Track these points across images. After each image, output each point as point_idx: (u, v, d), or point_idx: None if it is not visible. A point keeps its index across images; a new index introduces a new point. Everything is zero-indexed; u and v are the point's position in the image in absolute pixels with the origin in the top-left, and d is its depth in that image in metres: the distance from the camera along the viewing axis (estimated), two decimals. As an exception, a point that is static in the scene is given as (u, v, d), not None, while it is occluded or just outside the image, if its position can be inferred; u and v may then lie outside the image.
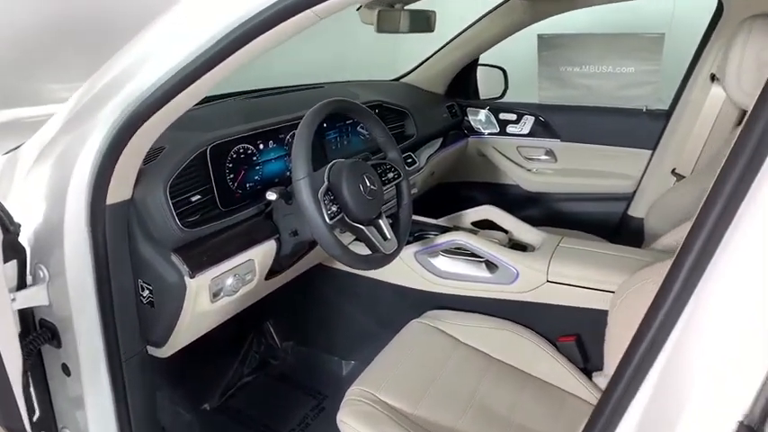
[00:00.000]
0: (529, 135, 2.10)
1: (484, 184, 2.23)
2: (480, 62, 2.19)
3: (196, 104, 1.31)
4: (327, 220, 0.99)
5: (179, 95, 0.78)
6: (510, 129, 2.12)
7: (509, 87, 2.20)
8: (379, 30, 1.31)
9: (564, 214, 2.12)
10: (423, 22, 1.41)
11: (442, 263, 1.40)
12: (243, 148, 1.14)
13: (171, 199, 0.97)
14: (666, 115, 1.88)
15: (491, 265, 1.36)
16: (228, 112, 1.23)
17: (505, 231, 1.52)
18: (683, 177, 1.80)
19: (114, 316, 0.96)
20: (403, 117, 1.78)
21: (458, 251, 1.40)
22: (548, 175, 2.12)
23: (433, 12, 1.44)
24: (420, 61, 2.18)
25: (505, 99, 2.20)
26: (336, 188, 1.05)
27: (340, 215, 1.05)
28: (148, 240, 0.96)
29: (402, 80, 2.17)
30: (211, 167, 1.07)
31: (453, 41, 2.07)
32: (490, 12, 1.93)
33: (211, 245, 1.04)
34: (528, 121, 2.09)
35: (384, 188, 1.18)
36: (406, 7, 1.35)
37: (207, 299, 1.02)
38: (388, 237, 1.15)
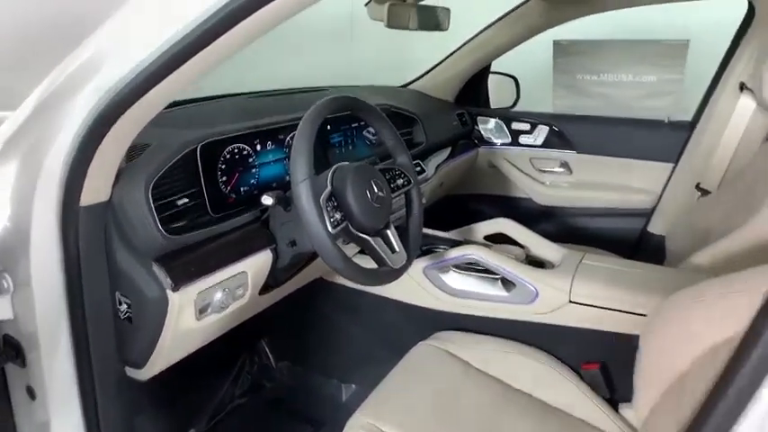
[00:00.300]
0: (542, 146, 2.00)
1: (494, 196, 2.12)
2: (492, 70, 2.10)
3: (189, 103, 1.23)
4: (330, 228, 0.88)
5: (166, 79, 0.68)
6: (522, 139, 2.02)
7: (521, 97, 2.12)
8: (390, 25, 1.21)
9: (579, 230, 2.01)
10: (436, 19, 1.32)
11: (454, 279, 1.28)
12: (238, 148, 1.04)
13: (154, 202, 0.86)
14: (690, 126, 1.78)
15: (507, 283, 1.24)
16: (223, 110, 1.12)
17: (521, 246, 1.40)
18: (709, 193, 1.69)
19: (87, 333, 0.84)
20: (412, 123, 1.68)
21: (471, 267, 1.28)
22: (562, 188, 2.01)
23: (447, 9, 1.35)
24: (428, 68, 2.09)
25: (517, 108, 2.11)
26: (340, 193, 0.94)
27: (344, 223, 0.93)
28: (127, 248, 0.85)
29: (410, 87, 2.07)
30: (201, 168, 0.96)
31: (464, 47, 1.98)
32: (504, 16, 1.84)
33: (199, 254, 0.93)
34: (542, 132, 1.99)
35: (392, 196, 1.07)
36: (419, 3, 1.26)
37: (192, 315, 0.90)
38: (397, 249, 1.04)
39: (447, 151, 1.91)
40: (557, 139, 1.98)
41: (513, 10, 1.80)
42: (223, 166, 1.01)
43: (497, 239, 1.45)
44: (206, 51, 0.65)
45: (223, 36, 0.63)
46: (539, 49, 1.97)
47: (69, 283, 0.81)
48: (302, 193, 0.86)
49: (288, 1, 0.62)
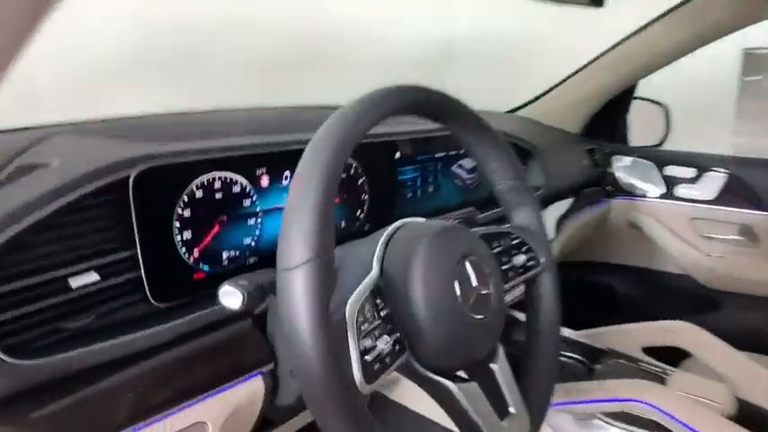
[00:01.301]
0: (713, 202, 1.37)
1: (634, 269, 1.51)
2: (636, 95, 1.52)
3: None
4: (361, 378, 0.37)
5: None
6: (681, 190, 1.41)
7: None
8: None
9: (766, 330, 1.34)
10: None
11: (605, 440, 0.71)
12: (221, 180, 0.57)
13: (8, 280, 0.41)
14: None
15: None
16: (211, 122, 0.67)
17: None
18: None
19: None
20: (525, 159, 1.15)
21: (633, 417, 0.71)
22: (740, 264, 1.36)
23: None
24: (543, 90, 1.56)
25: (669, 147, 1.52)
26: (398, 287, 0.43)
27: (401, 357, 0.42)
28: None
29: (517, 113, 1.55)
30: (136, 212, 0.49)
31: (598, 61, 1.43)
32: (665, 14, 1.27)
33: (100, 391, 0.45)
34: (713, 181, 1.37)
35: (506, 287, 0.55)
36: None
37: None
38: (512, 410, 0.50)
39: (568, 202, 1.36)
40: (736, 194, 1.34)
41: (680, 4, 1.23)
42: (187, 213, 0.54)
43: (665, 354, 0.87)
44: None
45: None
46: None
47: None
48: (295, 292, 0.36)
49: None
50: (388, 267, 0.45)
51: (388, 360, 0.40)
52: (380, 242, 0.47)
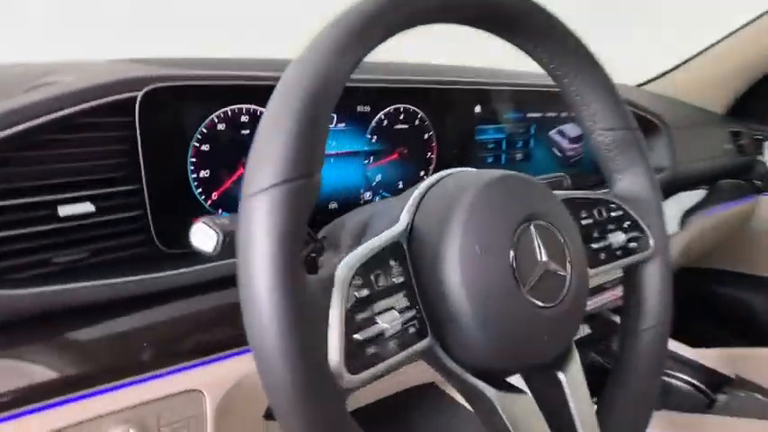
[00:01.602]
0: None
1: (782, 284, 1.22)
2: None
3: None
4: (342, 362, 0.26)
5: None
6: None
7: None
8: None
9: None
10: None
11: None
12: (252, 113, 0.48)
13: None
14: None
15: None
16: (251, 60, 0.59)
17: None
18: None
19: None
20: (649, 134, 0.95)
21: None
22: None
23: None
24: (680, 61, 1.31)
25: None
26: (425, 251, 0.32)
27: (418, 343, 0.31)
28: None
29: (645, 87, 1.31)
30: (142, 141, 0.43)
31: (751, 26, 1.16)
32: None
33: (87, 337, 0.40)
34: None
35: (595, 270, 0.40)
36: None
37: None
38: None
39: (699, 194, 1.13)
40: None
41: None
42: (205, 148, 0.46)
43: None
44: None
45: None
46: None
47: None
48: (253, 224, 0.26)
49: None
50: (420, 223, 0.33)
51: (392, 345, 0.29)
52: (417, 192, 0.35)
